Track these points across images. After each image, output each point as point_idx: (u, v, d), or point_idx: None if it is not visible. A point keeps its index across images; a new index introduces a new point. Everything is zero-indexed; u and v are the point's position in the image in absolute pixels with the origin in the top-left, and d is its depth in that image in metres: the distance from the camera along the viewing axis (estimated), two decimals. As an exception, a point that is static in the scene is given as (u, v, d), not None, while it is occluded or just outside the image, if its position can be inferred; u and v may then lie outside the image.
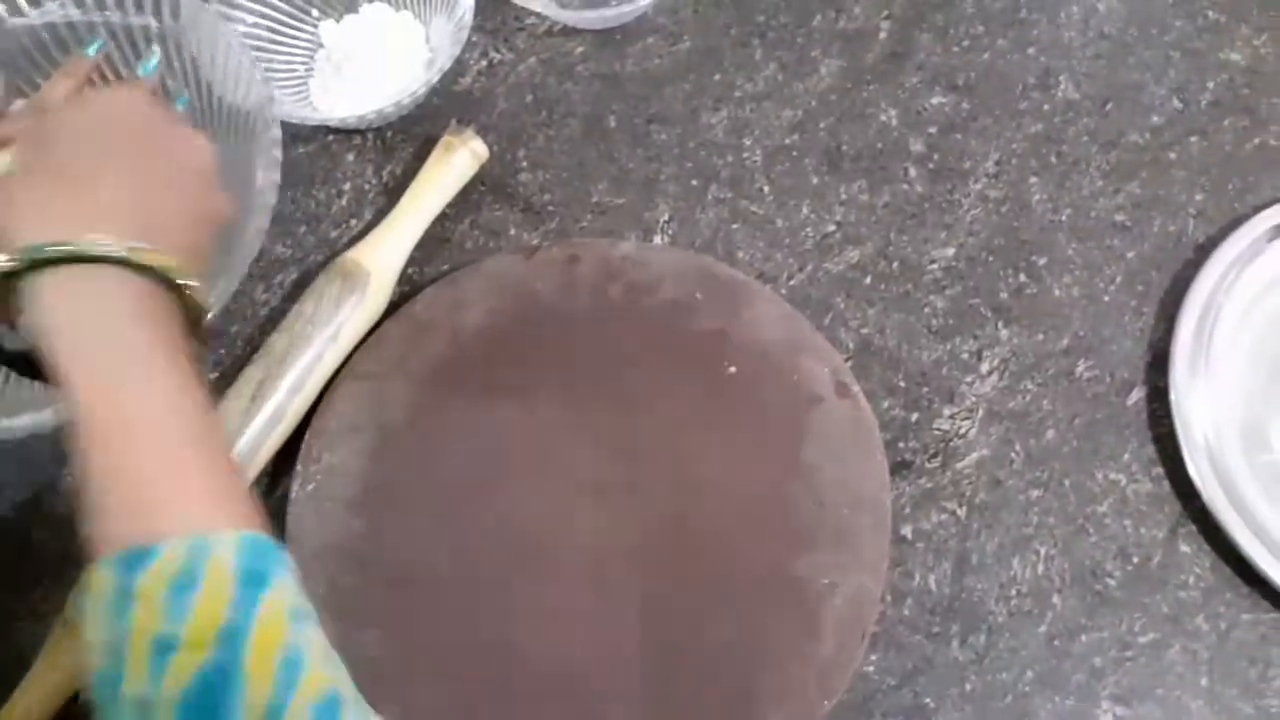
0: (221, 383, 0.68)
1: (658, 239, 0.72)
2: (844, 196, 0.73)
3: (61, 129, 0.52)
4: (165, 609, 0.39)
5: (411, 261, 0.71)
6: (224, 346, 0.71)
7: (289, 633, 0.40)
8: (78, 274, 0.46)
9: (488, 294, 0.68)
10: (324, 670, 0.41)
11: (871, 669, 0.62)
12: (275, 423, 0.65)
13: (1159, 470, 0.66)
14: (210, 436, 0.45)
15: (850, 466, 0.63)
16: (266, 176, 0.65)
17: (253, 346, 0.70)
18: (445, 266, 0.71)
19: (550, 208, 0.73)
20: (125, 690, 0.39)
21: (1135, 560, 0.64)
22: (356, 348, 0.67)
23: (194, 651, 0.38)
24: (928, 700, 0.62)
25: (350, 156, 0.75)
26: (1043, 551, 0.65)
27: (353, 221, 0.74)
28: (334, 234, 0.73)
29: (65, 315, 0.45)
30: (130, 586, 0.39)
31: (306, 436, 0.65)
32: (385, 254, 0.69)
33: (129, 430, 0.43)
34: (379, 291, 0.68)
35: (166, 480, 0.43)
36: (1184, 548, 0.65)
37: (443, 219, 0.72)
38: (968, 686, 0.62)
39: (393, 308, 0.68)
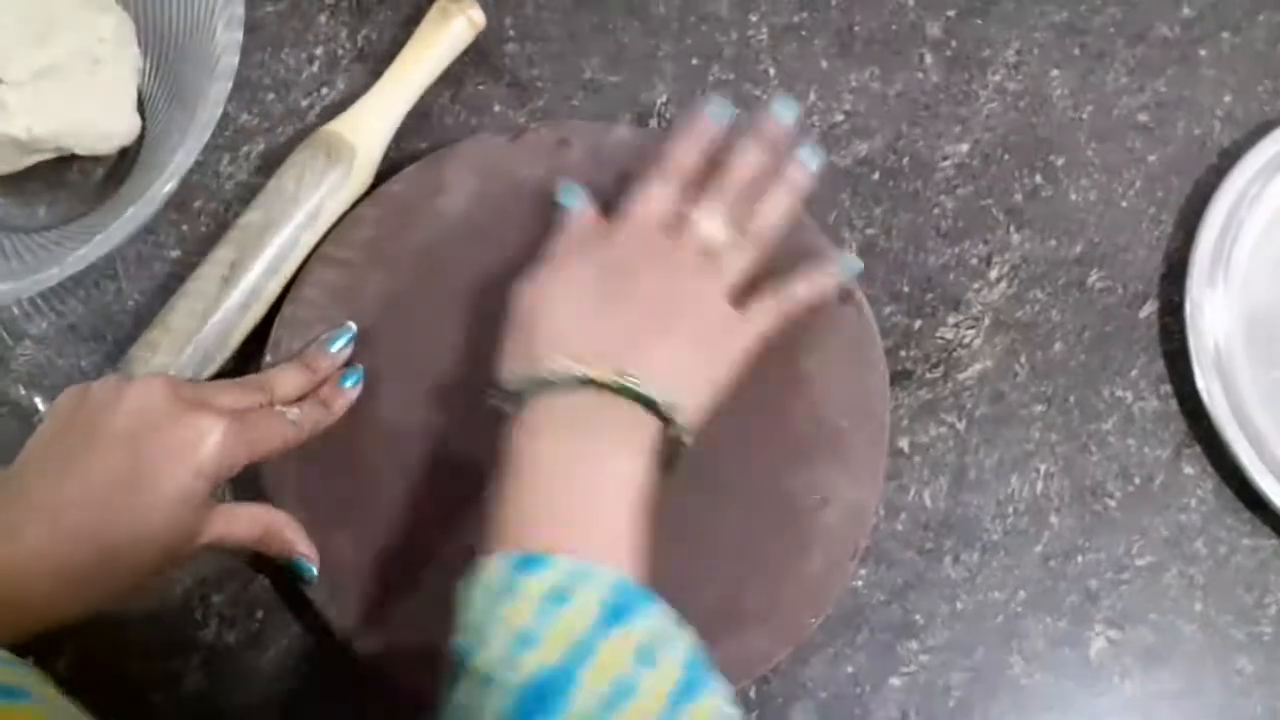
0: (186, 260, 0.64)
1: (654, 123, 0.67)
2: (854, 84, 0.68)
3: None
4: (537, 611, 0.43)
5: (388, 137, 0.66)
6: (186, 221, 0.66)
7: (630, 667, 0.43)
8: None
9: (470, 178, 0.63)
10: (652, 704, 0.42)
11: (861, 584, 0.60)
12: (248, 306, 0.61)
13: (1167, 388, 0.64)
14: (631, 504, 0.50)
15: (849, 378, 0.60)
16: (228, 35, 0.60)
17: (218, 221, 0.66)
18: (424, 144, 0.66)
19: (538, 83, 0.68)
20: (476, 663, 0.43)
21: (1137, 481, 0.62)
22: (329, 230, 0.63)
23: (547, 653, 0.42)
24: (917, 617, 0.60)
25: (323, 18, 0.70)
26: (1043, 469, 0.62)
27: (324, 90, 0.68)
28: (304, 103, 0.68)
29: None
30: (516, 584, 0.44)
31: (275, 326, 0.61)
32: (372, 128, 0.64)
33: (563, 464, 0.50)
34: (363, 169, 0.63)
35: (581, 513, 0.49)
36: (1187, 469, 0.62)
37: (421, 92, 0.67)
38: (959, 605, 0.60)
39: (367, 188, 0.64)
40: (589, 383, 0.51)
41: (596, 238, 0.57)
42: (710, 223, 0.56)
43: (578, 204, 0.60)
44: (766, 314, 0.57)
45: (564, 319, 0.54)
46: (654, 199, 0.57)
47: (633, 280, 0.55)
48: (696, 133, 0.59)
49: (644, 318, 0.54)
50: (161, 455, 0.50)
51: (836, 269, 0.60)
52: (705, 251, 0.56)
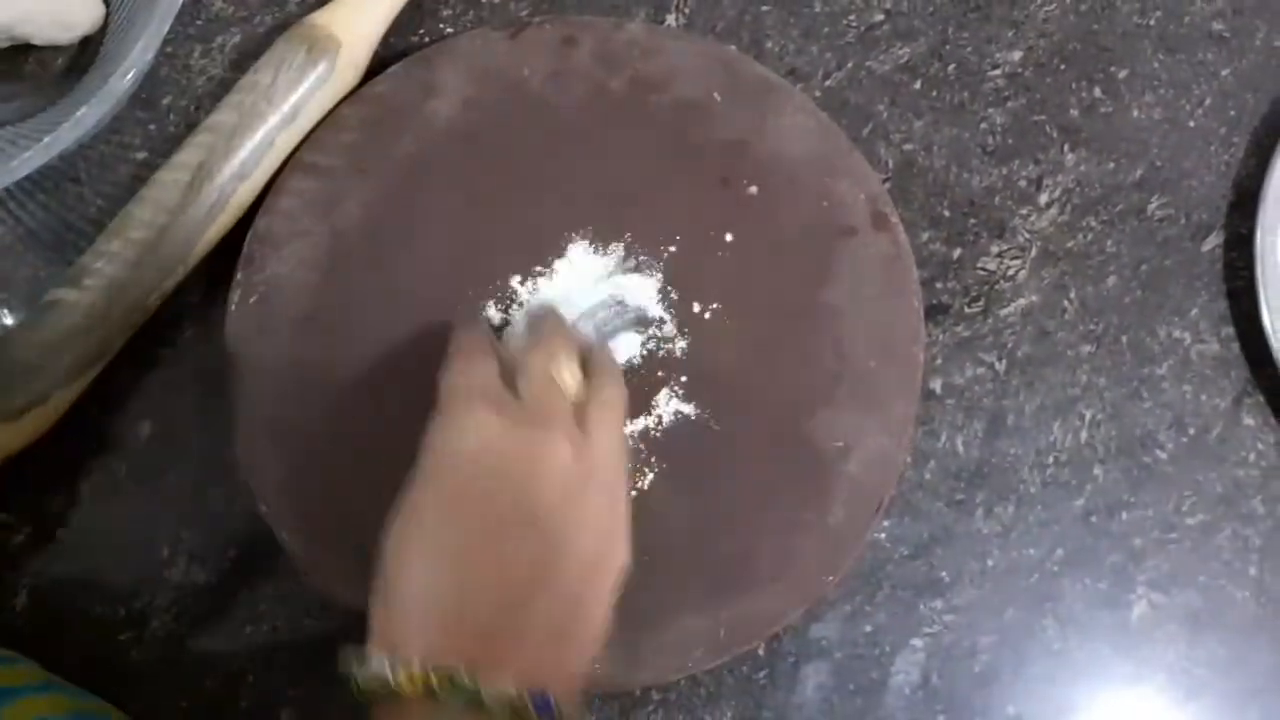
0: (153, 163, 0.58)
1: (670, 19, 0.61)
2: (896, -21, 0.61)
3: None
4: None
5: (376, 30, 0.59)
6: (154, 120, 0.60)
7: None
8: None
9: (464, 78, 0.57)
10: None
11: (883, 536, 0.56)
12: (216, 213, 0.55)
13: (1229, 330, 0.58)
14: None
15: (881, 313, 0.54)
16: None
17: (188, 120, 0.60)
18: (414, 38, 0.60)
19: (544, -28, 0.61)
20: None
21: (1191, 431, 0.57)
22: (308, 135, 0.56)
23: None
24: (943, 574, 0.55)
25: (306, -107, 0.63)
26: (1088, 416, 0.57)
27: (308, -24, 0.62)
28: (285, -10, 0.61)
29: None
30: None
31: (248, 239, 0.55)
32: (359, 20, 0.57)
33: None
34: (349, 67, 0.57)
35: None
36: (1248, 420, 0.57)
37: (413, -22, 0.60)
38: (989, 562, 0.56)
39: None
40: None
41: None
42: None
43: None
44: (605, 425, 0.45)
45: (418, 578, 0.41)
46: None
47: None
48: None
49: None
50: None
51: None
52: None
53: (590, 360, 0.48)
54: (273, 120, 0.55)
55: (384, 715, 0.39)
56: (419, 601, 0.40)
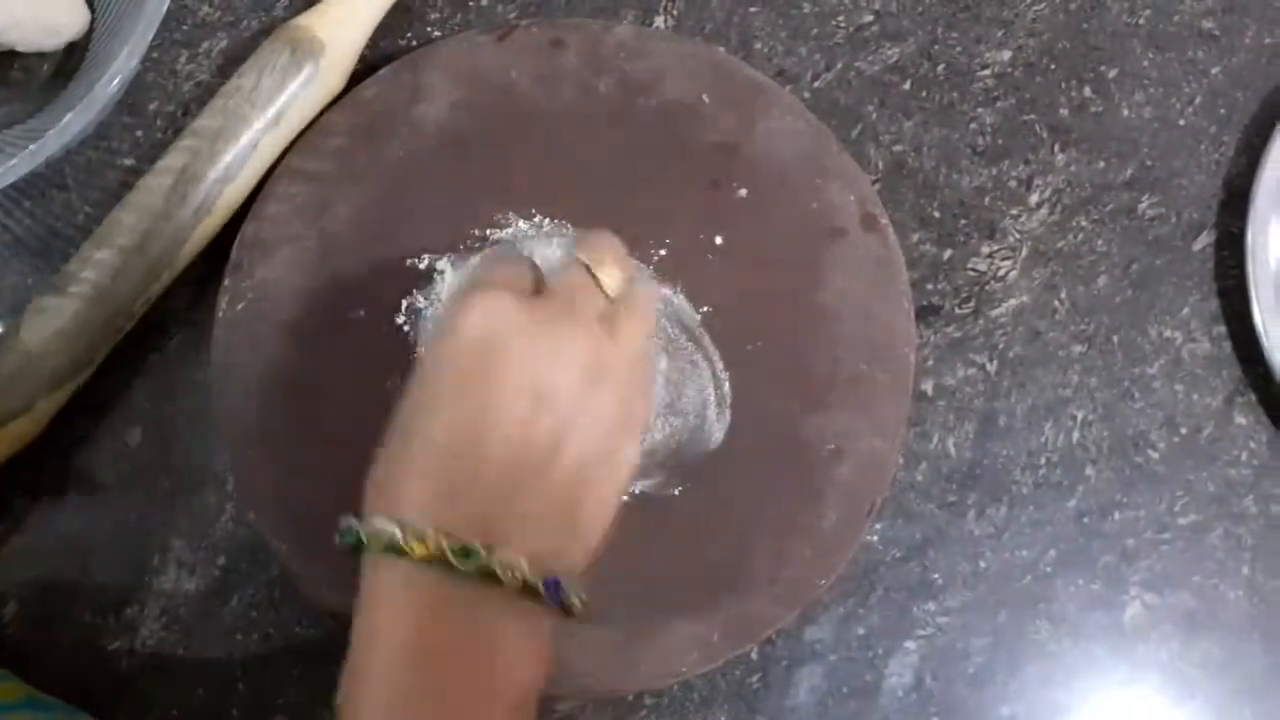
0: (140, 169, 0.58)
1: (659, 21, 0.60)
2: (885, -21, 0.61)
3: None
4: None
5: (363, 34, 0.59)
6: (140, 125, 0.60)
7: None
8: None
9: (452, 82, 0.57)
10: None
11: (875, 539, 0.55)
12: (201, 217, 0.54)
13: (1220, 329, 0.58)
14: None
15: (871, 314, 0.54)
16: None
17: (175, 125, 0.60)
18: (401, 42, 0.60)
19: (532, -25, 0.61)
20: None
21: (1183, 431, 0.57)
22: (296, 140, 0.56)
23: None
24: (936, 576, 0.55)
25: (292, -103, 0.62)
26: (1080, 416, 0.57)
27: (296, -20, 0.61)
28: (272, -5, 0.61)
29: None
30: None
31: (236, 245, 0.55)
32: (344, 23, 0.57)
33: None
34: (333, 69, 0.56)
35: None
36: (1240, 419, 0.57)
37: (401, -18, 0.60)
38: (982, 564, 0.55)
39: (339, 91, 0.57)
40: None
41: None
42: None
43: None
44: (632, 327, 0.44)
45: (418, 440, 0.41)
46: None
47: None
48: None
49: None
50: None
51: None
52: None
53: (630, 280, 0.46)
54: (257, 124, 0.55)
55: (382, 574, 0.39)
56: (424, 471, 0.40)
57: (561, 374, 0.40)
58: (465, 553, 0.37)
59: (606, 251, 0.45)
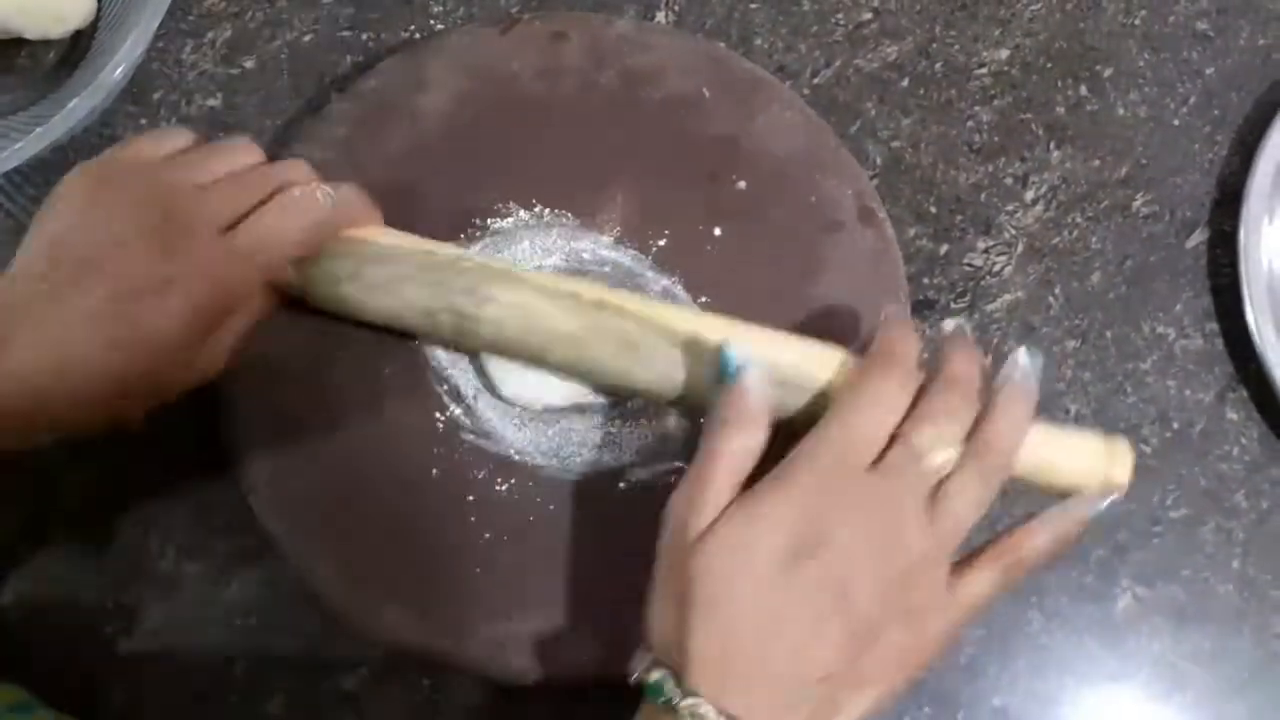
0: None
1: (660, 16, 0.61)
2: (884, -22, 0.62)
3: None
4: None
5: (365, 24, 0.60)
6: (145, 114, 0.60)
7: None
8: None
9: (454, 74, 0.57)
10: None
11: (870, 530, 0.56)
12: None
13: (1213, 326, 0.58)
14: None
15: (868, 307, 0.55)
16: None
17: (179, 117, 0.60)
18: (404, 34, 0.60)
19: (535, -32, 0.62)
20: None
21: (1176, 426, 0.57)
22: (299, 129, 0.57)
23: None
24: (929, 568, 0.56)
25: (298, -111, 0.63)
26: (1073, 410, 0.57)
27: (299, -29, 0.62)
28: (277, -15, 0.62)
29: None
30: None
31: (238, 232, 0.55)
32: None
33: None
34: None
35: None
36: (1231, 415, 0.58)
37: (405, -27, 0.60)
38: (975, 556, 0.56)
39: (341, 83, 0.58)
40: None
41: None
42: (941, 450, 0.42)
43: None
44: (987, 585, 0.42)
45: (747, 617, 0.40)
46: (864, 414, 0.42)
47: (832, 553, 0.40)
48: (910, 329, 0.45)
49: (850, 628, 0.40)
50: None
51: (1094, 501, 0.45)
52: (929, 492, 0.42)
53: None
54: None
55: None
56: (754, 657, 0.39)
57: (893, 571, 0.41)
58: None
59: (949, 424, 0.43)
